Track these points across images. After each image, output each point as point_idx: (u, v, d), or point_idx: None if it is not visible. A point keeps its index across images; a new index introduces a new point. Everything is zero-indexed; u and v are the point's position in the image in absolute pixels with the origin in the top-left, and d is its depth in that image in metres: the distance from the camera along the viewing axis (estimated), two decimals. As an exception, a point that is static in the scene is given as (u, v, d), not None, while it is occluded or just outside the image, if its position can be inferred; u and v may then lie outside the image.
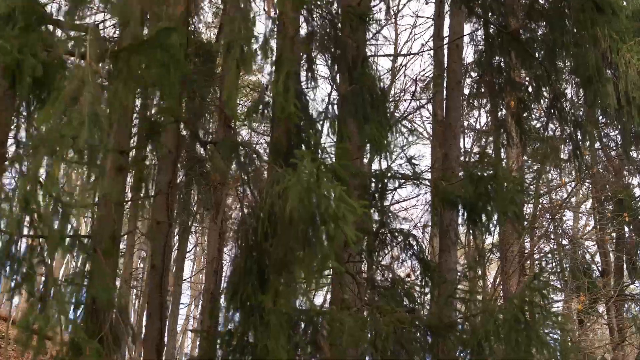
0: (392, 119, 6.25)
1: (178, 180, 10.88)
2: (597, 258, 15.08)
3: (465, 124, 15.36)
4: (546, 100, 8.28)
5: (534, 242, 12.84)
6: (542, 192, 14.30)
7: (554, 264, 13.05)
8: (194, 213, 13.17)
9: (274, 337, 5.04)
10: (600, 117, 12.35)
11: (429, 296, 7.20)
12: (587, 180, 15.09)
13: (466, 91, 13.32)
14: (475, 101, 14.55)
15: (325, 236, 4.05)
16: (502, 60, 8.10)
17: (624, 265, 14.19)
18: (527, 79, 9.37)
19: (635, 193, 14.03)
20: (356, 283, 6.74)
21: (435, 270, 7.35)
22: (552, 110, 8.23)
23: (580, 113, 9.37)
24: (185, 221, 12.90)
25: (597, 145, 14.32)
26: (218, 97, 8.30)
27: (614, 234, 14.66)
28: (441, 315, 6.35)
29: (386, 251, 7.48)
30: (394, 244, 7.41)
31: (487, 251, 14.19)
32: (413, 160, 6.59)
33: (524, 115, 8.36)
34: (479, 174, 6.50)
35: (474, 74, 12.61)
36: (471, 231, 6.90)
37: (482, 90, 12.06)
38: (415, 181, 6.73)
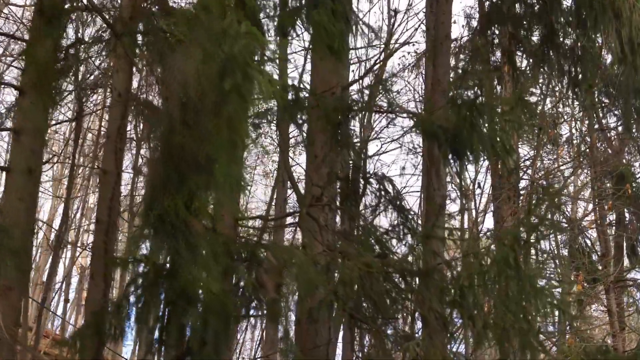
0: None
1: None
2: (597, 244, 13.86)
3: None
4: (540, 33, 7.10)
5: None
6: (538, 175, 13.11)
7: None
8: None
9: (204, 266, 3.83)
10: (602, 97, 11.23)
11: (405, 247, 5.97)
12: (587, 169, 13.96)
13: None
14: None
15: (235, 93, 2.85)
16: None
17: (624, 249, 12.97)
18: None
19: (636, 171, 12.83)
20: (318, 227, 5.52)
21: (414, 218, 6.12)
22: (546, 45, 7.05)
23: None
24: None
25: (595, 126, 13.23)
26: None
27: (612, 217, 13.48)
28: (417, 260, 5.14)
29: (358, 200, 6.26)
30: (368, 189, 6.20)
31: (483, 236, 13.00)
32: (387, 85, 5.38)
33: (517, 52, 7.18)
34: (463, 96, 5.29)
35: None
36: (454, 169, 5.67)
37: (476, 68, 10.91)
38: (391, 114, 5.50)
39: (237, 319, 4.49)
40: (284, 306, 4.45)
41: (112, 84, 7.19)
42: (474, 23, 11.04)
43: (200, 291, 3.98)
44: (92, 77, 10.43)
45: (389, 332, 5.51)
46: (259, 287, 4.30)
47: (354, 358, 8.17)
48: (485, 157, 5.71)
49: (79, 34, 6.84)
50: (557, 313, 5.14)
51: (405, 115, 6.09)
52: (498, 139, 5.51)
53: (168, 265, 4.14)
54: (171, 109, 3.55)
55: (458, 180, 11.09)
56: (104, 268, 6.78)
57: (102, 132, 8.64)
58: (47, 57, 5.36)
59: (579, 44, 8.17)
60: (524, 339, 4.80)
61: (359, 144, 7.36)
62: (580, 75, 8.38)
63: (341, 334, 8.79)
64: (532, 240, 4.78)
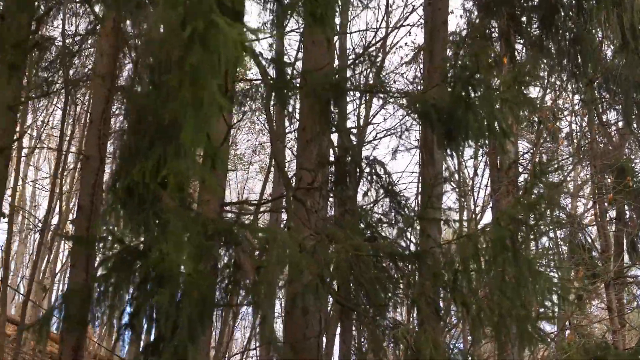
0: None
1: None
2: (597, 241, 13.51)
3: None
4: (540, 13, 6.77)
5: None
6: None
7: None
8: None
9: (175, 244, 3.48)
10: (603, 92, 10.90)
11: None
12: (587, 165, 13.62)
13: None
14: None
15: (198, 43, 2.52)
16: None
17: (624, 245, 12.63)
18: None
19: (636, 167, 12.48)
20: (306, 210, 5.19)
21: (407, 205, 5.78)
22: (545, 27, 6.73)
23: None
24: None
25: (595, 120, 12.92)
26: None
27: (612, 214, 13.14)
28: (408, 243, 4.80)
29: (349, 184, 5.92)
30: (358, 173, 5.87)
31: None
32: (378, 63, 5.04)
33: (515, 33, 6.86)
34: (457, 72, 4.95)
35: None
36: (449, 151, 5.31)
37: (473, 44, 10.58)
38: (381, 95, 5.16)
39: (220, 303, 4.14)
40: (265, 290, 4.09)
41: (96, 67, 6.87)
42: (472, 17, 10.73)
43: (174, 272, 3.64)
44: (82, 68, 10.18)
45: (382, 322, 5.16)
46: (237, 268, 3.96)
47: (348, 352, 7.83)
48: (481, 140, 5.35)
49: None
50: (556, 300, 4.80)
51: (397, 94, 5.74)
52: (495, 120, 5.18)
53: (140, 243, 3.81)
54: (139, 70, 3.23)
55: (452, 164, 10.73)
56: (85, 258, 6.45)
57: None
58: (20, 31, 5.03)
59: (579, 35, 7.88)
60: (522, 327, 4.46)
61: (354, 129, 7.05)
62: (580, 67, 8.11)
63: (338, 329, 8.45)
64: (530, 221, 4.43)
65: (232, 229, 3.99)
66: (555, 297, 4.65)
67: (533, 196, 4.51)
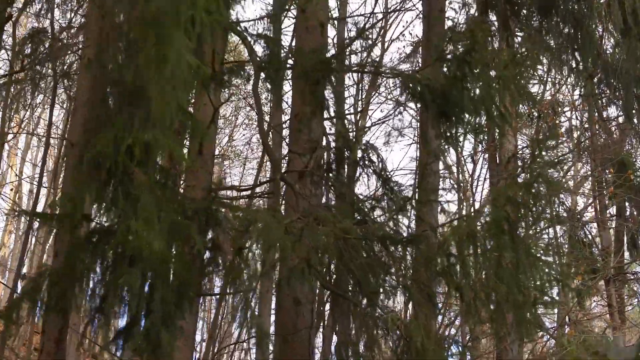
0: None
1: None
2: (598, 237, 13.23)
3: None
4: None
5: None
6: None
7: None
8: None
9: (144, 218, 3.19)
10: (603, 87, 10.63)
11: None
12: (587, 162, 13.35)
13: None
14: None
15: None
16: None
17: (624, 242, 12.36)
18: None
19: (637, 162, 12.20)
20: (294, 194, 4.90)
21: (399, 191, 5.49)
22: (545, 15, 6.45)
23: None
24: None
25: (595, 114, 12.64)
26: None
27: (613, 210, 12.86)
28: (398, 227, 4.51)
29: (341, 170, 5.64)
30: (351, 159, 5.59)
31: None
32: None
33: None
34: (452, 50, 4.66)
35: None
36: (445, 134, 5.02)
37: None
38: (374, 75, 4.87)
39: (198, 286, 3.86)
40: (248, 273, 3.81)
41: (82, 50, 6.60)
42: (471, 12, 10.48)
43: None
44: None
45: (374, 312, 4.86)
46: (216, 249, 3.67)
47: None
48: (477, 122, 5.04)
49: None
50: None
51: (390, 74, 5.46)
52: (492, 101, 4.88)
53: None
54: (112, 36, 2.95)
55: (448, 150, 10.43)
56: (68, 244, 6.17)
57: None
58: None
59: (580, 24, 7.59)
60: (520, 314, 4.16)
61: (351, 114, 6.78)
62: (580, 61, 7.84)
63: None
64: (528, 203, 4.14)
65: (212, 207, 3.70)
66: (554, 283, 4.37)
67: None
